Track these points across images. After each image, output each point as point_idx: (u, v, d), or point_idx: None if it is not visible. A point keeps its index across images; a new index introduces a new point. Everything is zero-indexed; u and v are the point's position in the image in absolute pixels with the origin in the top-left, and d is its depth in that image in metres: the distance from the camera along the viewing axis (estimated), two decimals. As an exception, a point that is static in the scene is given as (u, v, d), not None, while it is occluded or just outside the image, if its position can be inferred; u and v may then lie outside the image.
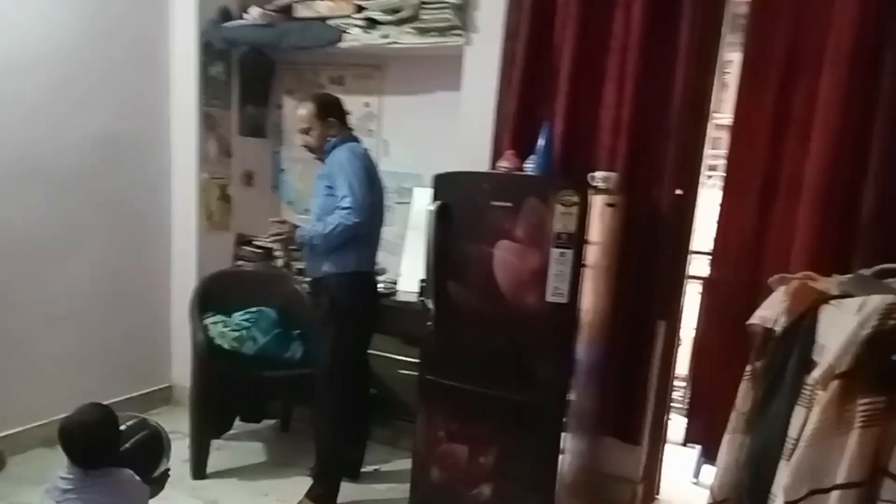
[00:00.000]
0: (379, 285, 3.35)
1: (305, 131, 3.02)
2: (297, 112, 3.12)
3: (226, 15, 3.84)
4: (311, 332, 3.33)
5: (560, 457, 2.61)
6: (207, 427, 3.35)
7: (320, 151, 3.02)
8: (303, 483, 3.09)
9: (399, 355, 3.45)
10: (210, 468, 3.32)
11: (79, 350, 3.63)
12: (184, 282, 3.88)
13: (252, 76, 4.06)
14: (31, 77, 3.23)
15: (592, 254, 2.63)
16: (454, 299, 2.72)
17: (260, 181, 4.26)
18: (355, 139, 3.09)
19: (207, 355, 3.24)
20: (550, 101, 3.08)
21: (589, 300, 2.68)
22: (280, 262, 3.98)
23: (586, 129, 3.04)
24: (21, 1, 3.14)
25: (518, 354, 2.63)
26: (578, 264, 2.53)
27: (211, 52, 3.84)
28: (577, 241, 2.50)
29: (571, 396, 2.66)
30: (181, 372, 3.87)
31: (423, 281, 2.84)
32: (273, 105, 4.24)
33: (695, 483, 3.35)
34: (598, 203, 2.64)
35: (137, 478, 2.03)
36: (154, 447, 2.19)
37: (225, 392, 3.29)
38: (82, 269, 3.58)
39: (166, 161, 3.93)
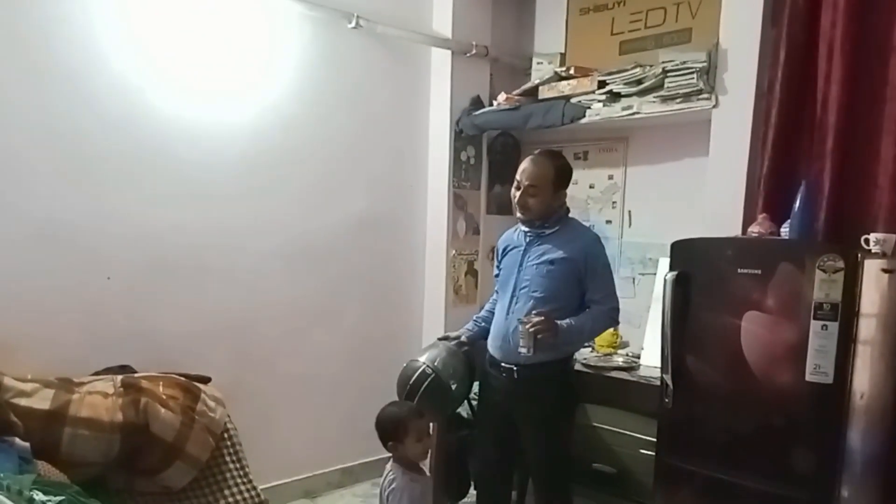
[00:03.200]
0: (619, 360, 3.20)
1: (530, 192, 2.66)
2: (525, 165, 2.72)
3: (477, 103, 4.10)
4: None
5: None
6: (444, 493, 3.39)
7: (540, 220, 2.74)
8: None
9: (640, 434, 3.22)
10: (446, 536, 3.35)
11: (334, 411, 3.93)
12: (432, 352, 4.04)
13: (499, 158, 4.25)
14: (303, 165, 3.67)
15: (867, 329, 2.25)
16: (694, 375, 2.49)
17: (505, 256, 4.37)
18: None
19: (446, 423, 3.32)
20: (811, 160, 2.78)
21: (863, 380, 2.27)
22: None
23: (857, 187, 2.68)
24: (302, 98, 3.62)
25: (771, 440, 2.30)
26: (847, 339, 2.18)
27: (463, 137, 4.10)
28: (844, 312, 2.17)
29: (844, 493, 2.24)
30: (427, 439, 4.01)
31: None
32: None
33: None
34: (871, 269, 2.27)
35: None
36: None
37: (460, 459, 3.32)
38: (339, 336, 3.91)
39: (421, 238, 4.22)
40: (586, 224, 3.12)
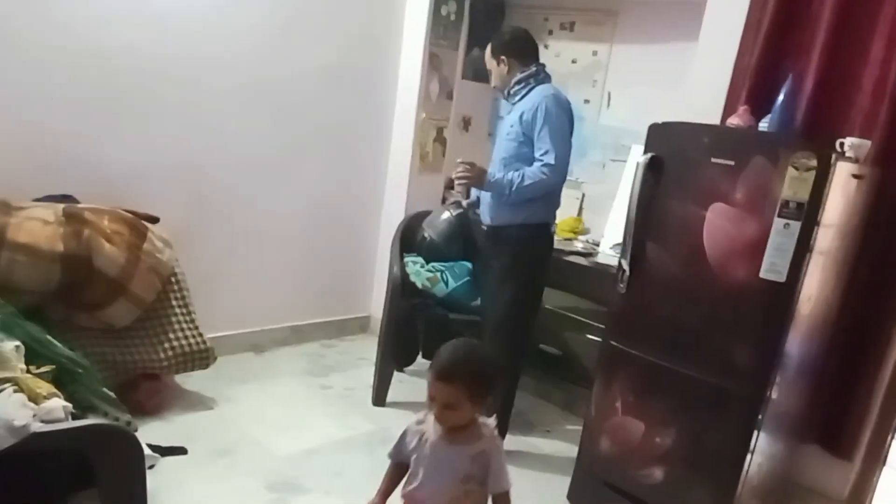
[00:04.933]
0: (578, 245, 3.18)
1: (490, 70, 2.92)
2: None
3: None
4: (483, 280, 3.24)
5: (748, 456, 2.28)
6: (392, 358, 3.43)
7: (506, 89, 2.93)
8: (471, 428, 3.06)
9: (589, 319, 3.26)
10: (390, 398, 3.42)
11: (288, 269, 3.89)
12: (393, 217, 3.98)
13: (481, 18, 4.01)
14: (273, 3, 3.42)
15: (825, 234, 2.23)
16: (652, 263, 2.46)
17: (477, 126, 4.23)
18: (549, 78, 2.93)
19: (400, 290, 3.31)
20: (800, 55, 2.66)
21: (812, 286, 2.28)
22: (455, 203, 3.67)
23: (842, 88, 2.60)
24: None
25: (717, 332, 2.32)
26: (805, 241, 2.15)
27: (444, -11, 3.83)
28: (808, 212, 2.13)
29: (773, 392, 2.30)
30: (380, 304, 4.00)
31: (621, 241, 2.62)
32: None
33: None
34: (842, 174, 2.22)
35: None
36: None
37: (411, 326, 3.34)
38: (299, 192, 3.80)
39: (390, 97, 4.03)
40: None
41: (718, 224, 2.29)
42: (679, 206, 2.39)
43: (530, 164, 2.80)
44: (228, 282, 3.59)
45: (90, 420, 1.69)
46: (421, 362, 3.59)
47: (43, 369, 1.77)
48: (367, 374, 3.51)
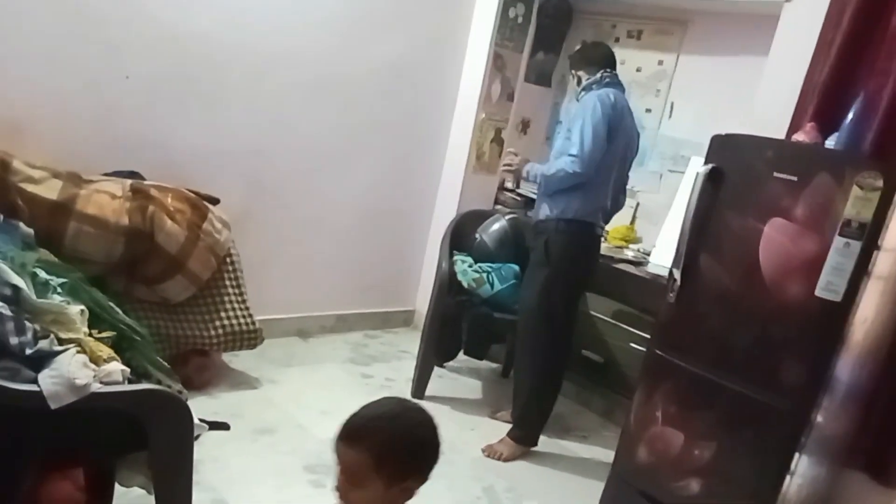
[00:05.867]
0: (629, 253, 3.15)
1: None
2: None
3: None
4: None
5: (788, 477, 2.24)
6: (434, 352, 3.46)
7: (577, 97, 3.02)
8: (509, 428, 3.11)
9: (634, 328, 3.24)
10: (428, 391, 3.45)
11: (338, 258, 3.95)
12: (445, 214, 4.02)
13: (548, 22, 4.02)
14: (338, 3, 3.47)
15: (885, 259, 2.18)
16: (704, 274, 2.43)
17: (535, 130, 4.23)
18: (617, 85, 2.94)
19: (447, 286, 3.34)
20: (873, 74, 2.58)
21: (868, 309, 2.23)
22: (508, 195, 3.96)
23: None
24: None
25: (766, 348, 2.28)
26: (865, 262, 2.10)
27: (513, -9, 3.85)
28: (870, 233, 2.08)
29: (819, 413, 2.25)
30: (425, 299, 4.04)
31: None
32: (564, 55, 4.16)
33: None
34: (910, 198, 2.17)
35: None
36: None
37: (455, 322, 3.37)
38: (355, 184, 3.86)
39: (451, 95, 4.06)
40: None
41: (776, 239, 2.25)
42: (736, 218, 2.36)
43: None
44: (280, 267, 3.67)
45: (147, 385, 1.76)
46: (462, 359, 3.62)
47: (104, 335, 1.85)
48: (408, 367, 3.55)
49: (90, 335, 1.80)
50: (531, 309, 3.00)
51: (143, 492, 1.94)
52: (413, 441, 1.33)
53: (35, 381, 1.57)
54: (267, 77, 3.34)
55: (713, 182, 2.40)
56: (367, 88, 3.70)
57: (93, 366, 1.66)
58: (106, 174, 2.83)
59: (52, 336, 1.67)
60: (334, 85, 3.58)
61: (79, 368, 1.61)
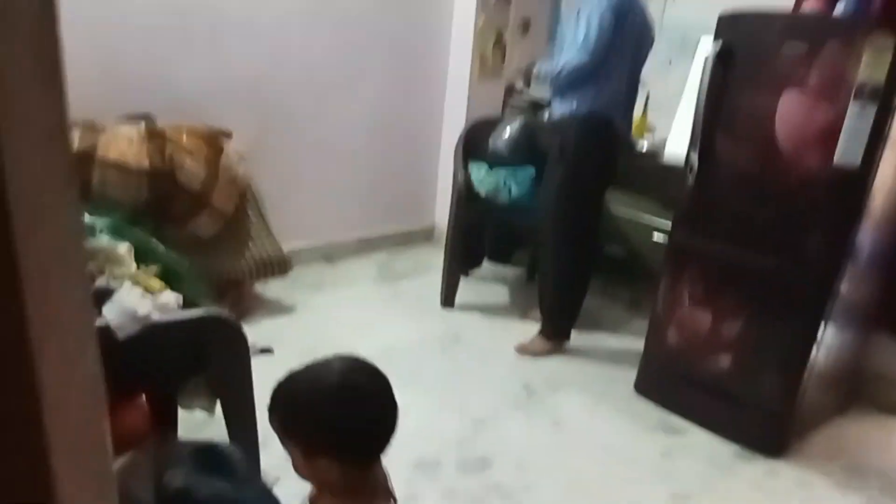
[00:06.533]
0: (644, 145, 3.16)
1: None
2: None
3: None
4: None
5: (814, 346, 2.33)
6: (458, 262, 3.54)
7: None
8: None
9: (656, 218, 3.28)
10: (457, 301, 3.54)
11: (354, 181, 3.99)
12: (454, 126, 4.00)
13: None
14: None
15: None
16: (721, 156, 2.47)
17: (537, 30, 4.16)
18: None
19: (465, 196, 3.38)
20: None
21: (887, 175, 2.26)
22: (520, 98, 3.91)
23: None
24: None
25: (787, 223, 2.34)
26: (882, 126, 2.13)
27: None
28: (884, 96, 2.10)
29: (843, 282, 2.32)
30: (444, 213, 4.09)
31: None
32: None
33: None
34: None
35: None
36: None
37: (476, 231, 3.43)
38: (361, 105, 3.85)
39: (448, 3, 4.00)
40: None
41: (791, 112, 2.28)
42: (750, 96, 2.38)
43: None
44: (297, 195, 3.71)
45: (203, 310, 1.84)
46: (486, 266, 3.70)
47: (151, 268, 1.92)
48: (435, 281, 3.63)
49: (139, 270, 1.88)
50: (550, 209, 3.03)
51: (206, 414, 2.06)
52: (312, 404, 1.18)
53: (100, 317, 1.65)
54: (260, 4, 3.30)
55: (723, 62, 2.40)
56: (363, 4, 3.65)
57: (149, 296, 1.74)
58: (118, 119, 2.85)
59: (106, 273, 1.75)
60: (329, 6, 3.53)
61: (138, 300, 1.68)
